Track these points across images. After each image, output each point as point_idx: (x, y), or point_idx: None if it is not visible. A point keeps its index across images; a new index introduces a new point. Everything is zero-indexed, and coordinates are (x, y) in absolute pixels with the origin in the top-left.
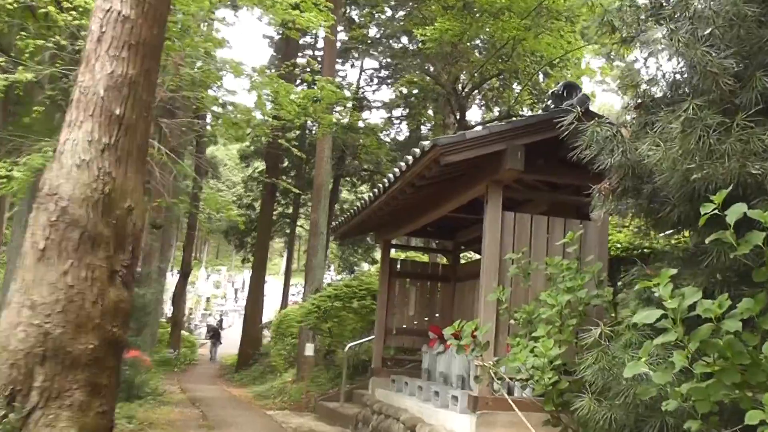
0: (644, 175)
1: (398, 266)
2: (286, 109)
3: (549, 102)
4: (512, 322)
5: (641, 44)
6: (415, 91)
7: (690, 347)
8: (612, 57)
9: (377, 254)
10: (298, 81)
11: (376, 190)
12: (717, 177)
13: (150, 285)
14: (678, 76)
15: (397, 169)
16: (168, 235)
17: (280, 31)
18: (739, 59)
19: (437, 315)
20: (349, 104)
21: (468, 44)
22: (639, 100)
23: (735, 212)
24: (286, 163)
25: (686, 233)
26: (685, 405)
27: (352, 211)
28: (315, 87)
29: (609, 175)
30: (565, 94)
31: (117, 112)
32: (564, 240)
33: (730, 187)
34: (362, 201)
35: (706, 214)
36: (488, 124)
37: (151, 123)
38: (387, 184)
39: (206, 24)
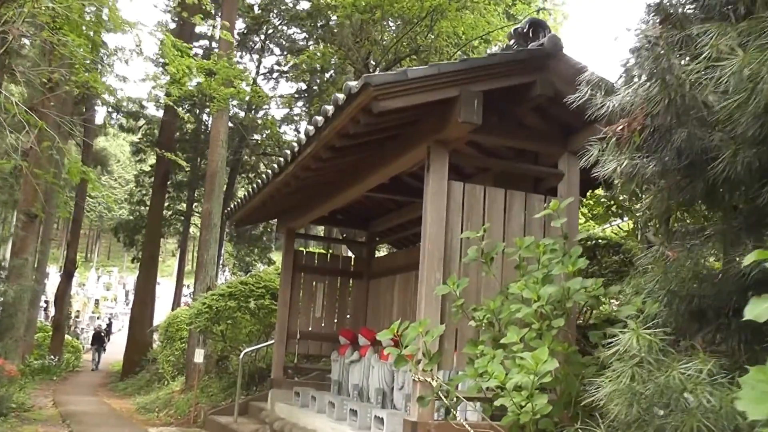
0: (689, 107)
1: (304, 259)
2: (174, 65)
3: (511, 42)
4: (471, 323)
5: None
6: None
7: None
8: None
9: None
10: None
11: (281, 159)
12: None
13: (14, 281)
14: None
15: (311, 126)
16: (48, 227)
17: (176, 18)
18: None
19: (348, 317)
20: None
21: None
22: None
23: None
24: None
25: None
26: None
27: (251, 188)
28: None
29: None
30: (531, 34)
31: None
32: (545, 212)
33: None
34: (265, 174)
35: None
36: (435, 63)
37: None
38: (297, 148)
39: None
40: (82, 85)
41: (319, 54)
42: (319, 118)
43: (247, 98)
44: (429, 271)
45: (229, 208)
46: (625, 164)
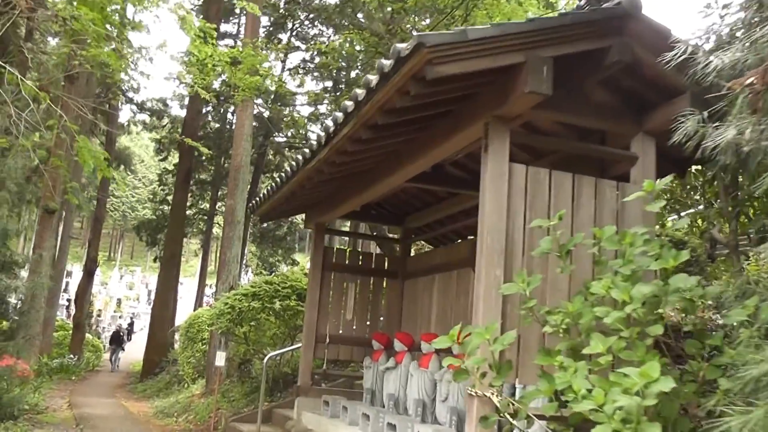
0: None
1: (334, 257)
2: (194, 45)
3: (582, 2)
4: (546, 329)
5: None
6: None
7: None
8: None
9: (299, 257)
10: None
11: (313, 143)
12: None
13: (29, 277)
14: None
15: (349, 102)
16: (68, 224)
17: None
18: None
19: (382, 319)
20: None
21: (415, 13)
22: None
23: None
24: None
25: None
26: None
27: (278, 178)
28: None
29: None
30: None
31: None
32: (637, 194)
33: None
34: (294, 161)
35: None
36: (498, 23)
37: None
38: (332, 128)
39: None
40: (96, 64)
41: (349, 42)
42: (360, 91)
43: (272, 88)
44: (488, 267)
45: (253, 201)
46: (750, 130)
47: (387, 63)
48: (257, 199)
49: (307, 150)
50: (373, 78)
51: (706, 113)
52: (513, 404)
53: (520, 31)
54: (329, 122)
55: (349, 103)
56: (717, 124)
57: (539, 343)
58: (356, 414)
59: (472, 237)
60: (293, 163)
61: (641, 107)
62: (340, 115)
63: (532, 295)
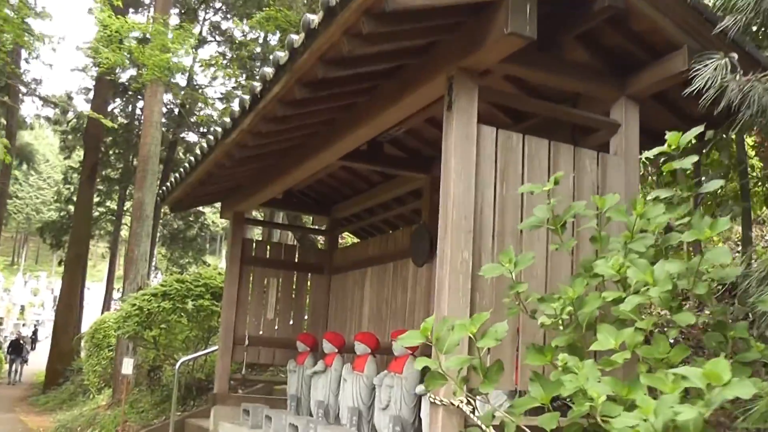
0: None
1: (254, 250)
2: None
3: None
4: (543, 320)
5: None
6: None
7: None
8: None
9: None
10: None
11: (236, 109)
12: None
13: None
14: None
15: (282, 53)
16: None
17: None
18: None
19: (306, 318)
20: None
21: None
22: None
23: None
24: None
25: None
26: None
27: (192, 159)
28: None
29: None
30: None
31: None
32: (659, 149)
33: None
34: (213, 134)
35: None
36: None
37: None
38: (258, 90)
39: None
40: None
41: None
42: (296, 37)
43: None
44: (454, 249)
45: (162, 189)
46: None
47: None
48: (167, 185)
49: (227, 119)
50: (314, 17)
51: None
52: (495, 414)
53: None
54: (255, 83)
55: (282, 54)
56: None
57: (530, 338)
58: (282, 424)
59: (414, 225)
60: (210, 137)
61: (625, 68)
62: (269, 71)
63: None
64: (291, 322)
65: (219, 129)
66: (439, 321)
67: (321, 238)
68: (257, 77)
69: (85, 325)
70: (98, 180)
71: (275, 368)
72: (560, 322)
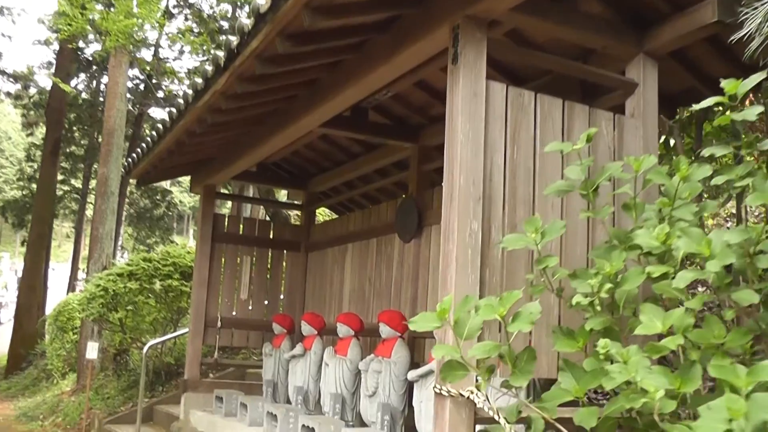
0: None
1: (226, 226)
2: None
3: None
4: (578, 299)
5: None
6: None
7: None
8: None
9: (178, 239)
10: None
11: (208, 69)
12: None
13: None
14: None
15: (262, 0)
16: None
17: None
18: None
19: (282, 298)
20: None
21: None
22: None
23: None
24: (75, 130)
25: None
26: None
27: (160, 126)
28: None
29: None
30: None
31: None
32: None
33: None
34: (183, 98)
35: None
36: None
37: None
38: (234, 44)
39: None
40: None
41: None
42: None
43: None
44: (462, 219)
45: (129, 160)
46: None
47: None
48: (133, 156)
49: (199, 80)
50: None
51: None
52: (520, 408)
53: None
54: (231, 36)
55: (262, 2)
56: None
57: (549, 320)
58: (258, 412)
59: (399, 199)
60: (180, 101)
61: (644, 21)
62: (247, 22)
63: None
64: (266, 303)
65: (190, 91)
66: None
67: (295, 214)
68: (236, 30)
69: (50, 307)
70: (62, 157)
71: (247, 351)
72: (598, 301)
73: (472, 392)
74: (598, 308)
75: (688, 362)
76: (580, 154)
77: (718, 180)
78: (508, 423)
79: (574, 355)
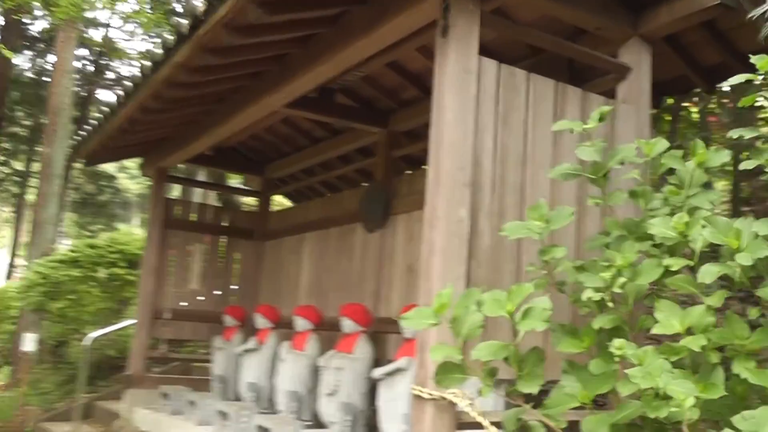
0: None
1: (178, 211)
2: None
3: None
4: (588, 295)
5: None
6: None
7: None
8: None
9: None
10: None
11: (169, 37)
12: None
13: None
14: None
15: None
16: None
17: None
18: None
19: (236, 289)
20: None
21: None
22: None
23: None
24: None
25: None
26: None
27: (112, 102)
28: None
29: None
30: None
31: None
32: (743, 77)
33: None
34: (140, 69)
35: None
36: None
37: None
38: (200, 11)
39: None
40: None
41: None
42: None
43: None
44: (449, 205)
45: (77, 136)
46: None
47: None
48: (82, 133)
49: (159, 50)
50: None
51: None
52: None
53: None
54: (196, 1)
55: None
56: None
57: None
58: (208, 411)
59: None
60: (136, 73)
61: (640, 2)
62: None
63: (510, 248)
64: (218, 293)
65: (147, 63)
66: (426, 295)
67: (248, 201)
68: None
69: None
70: (3, 138)
71: (194, 344)
72: (609, 297)
73: (454, 394)
74: (610, 304)
75: (708, 365)
76: (592, 135)
77: (748, 164)
78: (507, 430)
79: (575, 356)
